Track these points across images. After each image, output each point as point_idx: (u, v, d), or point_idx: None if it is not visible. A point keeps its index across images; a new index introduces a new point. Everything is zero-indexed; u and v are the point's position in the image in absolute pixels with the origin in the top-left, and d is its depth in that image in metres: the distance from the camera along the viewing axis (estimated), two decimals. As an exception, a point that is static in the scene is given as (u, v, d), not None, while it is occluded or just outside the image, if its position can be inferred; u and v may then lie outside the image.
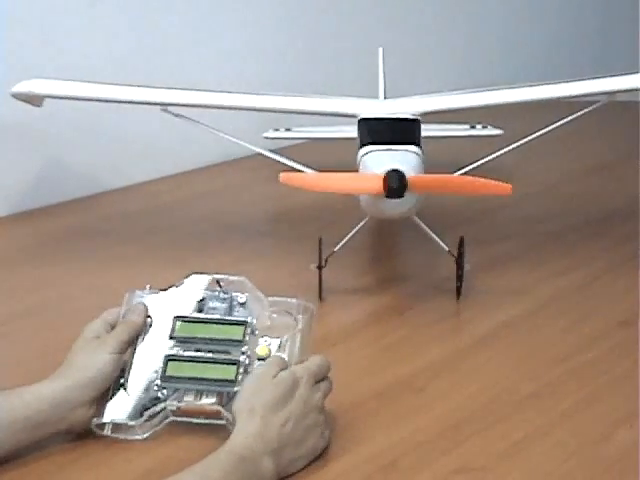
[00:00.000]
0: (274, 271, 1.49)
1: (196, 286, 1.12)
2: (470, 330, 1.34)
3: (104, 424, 1.04)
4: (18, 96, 1.56)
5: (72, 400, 1.01)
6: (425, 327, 1.33)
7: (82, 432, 1.03)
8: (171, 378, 1.05)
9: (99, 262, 1.57)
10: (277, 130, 2.01)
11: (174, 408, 1.04)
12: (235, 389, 1.03)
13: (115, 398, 1.05)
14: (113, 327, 1.08)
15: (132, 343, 1.07)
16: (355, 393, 1.13)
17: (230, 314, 1.09)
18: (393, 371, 1.21)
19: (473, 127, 1.99)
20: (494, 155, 1.50)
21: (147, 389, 1.05)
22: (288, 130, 2.01)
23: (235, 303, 1.10)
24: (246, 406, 0.98)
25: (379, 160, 1.32)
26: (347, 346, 1.29)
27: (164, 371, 1.05)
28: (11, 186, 1.83)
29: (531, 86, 1.50)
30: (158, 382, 1.05)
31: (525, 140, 1.51)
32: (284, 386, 0.99)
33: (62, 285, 1.50)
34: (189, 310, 1.10)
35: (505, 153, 1.51)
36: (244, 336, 1.06)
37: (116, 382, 1.05)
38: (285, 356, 1.05)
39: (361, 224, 1.40)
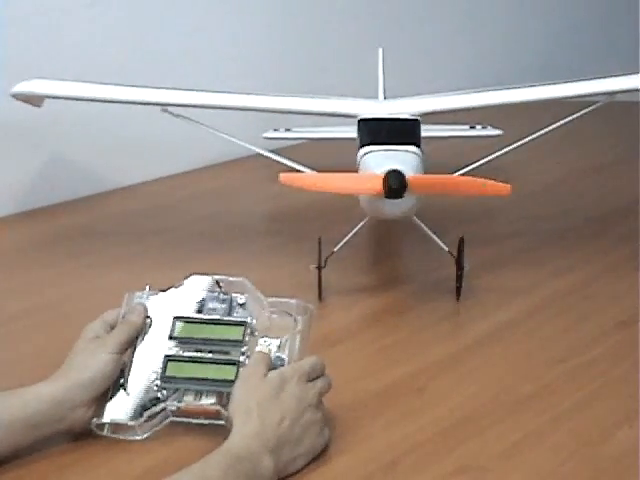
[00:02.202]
0: (274, 271, 1.49)
1: (196, 287, 1.12)
2: (470, 330, 1.34)
3: (104, 424, 1.04)
4: (18, 96, 1.56)
5: (72, 400, 1.01)
6: (425, 327, 1.33)
7: (82, 432, 1.03)
8: (171, 378, 1.05)
9: (99, 262, 1.57)
10: (277, 130, 2.01)
11: (174, 408, 1.04)
12: (235, 389, 1.03)
13: (115, 398, 1.05)
14: (113, 327, 1.08)
15: (132, 343, 1.07)
16: (355, 393, 1.13)
17: (230, 315, 1.09)
18: (393, 371, 1.21)
19: (473, 127, 1.98)
20: (494, 155, 1.50)
21: (147, 389, 1.05)
22: (288, 130, 2.01)
23: (235, 304, 1.10)
24: (241, 407, 0.98)
25: (379, 160, 1.32)
26: (347, 346, 1.29)
27: (164, 371, 1.05)
28: (11, 186, 1.83)
29: (531, 86, 1.50)
30: (158, 382, 1.05)
31: (525, 140, 1.50)
32: (273, 385, 0.99)
33: (62, 285, 1.50)
34: (189, 311, 1.10)
35: (505, 153, 1.51)
36: (244, 337, 1.06)
37: (116, 382, 1.05)
38: (285, 356, 1.06)
39: (361, 224, 1.40)
